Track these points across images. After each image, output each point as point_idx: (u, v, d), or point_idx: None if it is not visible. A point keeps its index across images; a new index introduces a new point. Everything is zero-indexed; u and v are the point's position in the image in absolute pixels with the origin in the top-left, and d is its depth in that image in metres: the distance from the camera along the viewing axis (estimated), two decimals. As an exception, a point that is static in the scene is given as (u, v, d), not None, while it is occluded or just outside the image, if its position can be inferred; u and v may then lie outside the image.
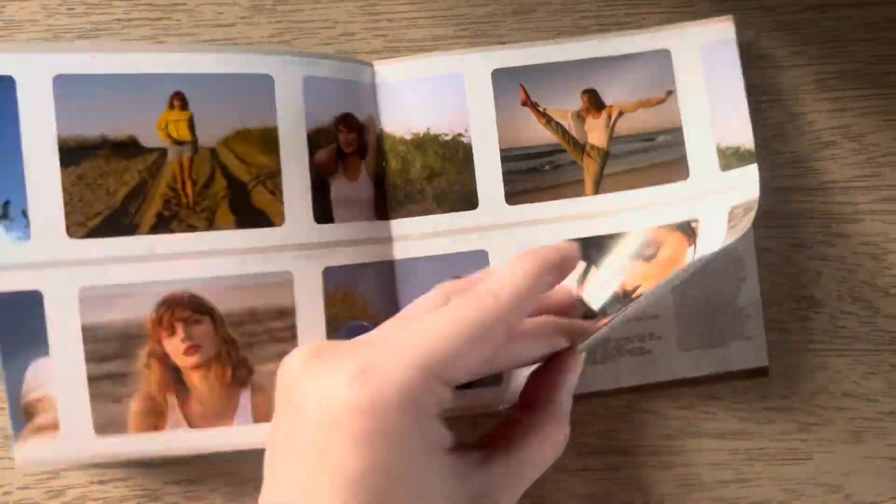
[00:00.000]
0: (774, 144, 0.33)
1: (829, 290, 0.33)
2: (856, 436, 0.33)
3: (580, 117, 0.32)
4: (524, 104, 0.32)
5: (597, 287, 0.32)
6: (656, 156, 0.32)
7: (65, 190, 0.28)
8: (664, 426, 0.33)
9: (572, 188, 0.32)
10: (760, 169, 0.33)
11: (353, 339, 0.24)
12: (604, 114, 0.32)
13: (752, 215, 0.29)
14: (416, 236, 0.32)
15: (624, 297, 0.31)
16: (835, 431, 0.33)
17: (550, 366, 0.27)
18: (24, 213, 0.28)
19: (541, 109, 0.32)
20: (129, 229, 0.28)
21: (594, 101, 0.32)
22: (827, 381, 0.33)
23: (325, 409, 0.20)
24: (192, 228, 0.29)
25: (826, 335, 0.33)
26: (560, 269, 0.26)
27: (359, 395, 0.20)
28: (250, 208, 0.29)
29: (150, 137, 0.29)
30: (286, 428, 0.22)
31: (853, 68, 0.34)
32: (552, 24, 0.33)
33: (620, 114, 0.32)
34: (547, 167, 0.32)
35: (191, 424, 0.29)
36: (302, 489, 0.20)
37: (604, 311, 0.31)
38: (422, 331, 0.22)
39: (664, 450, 0.33)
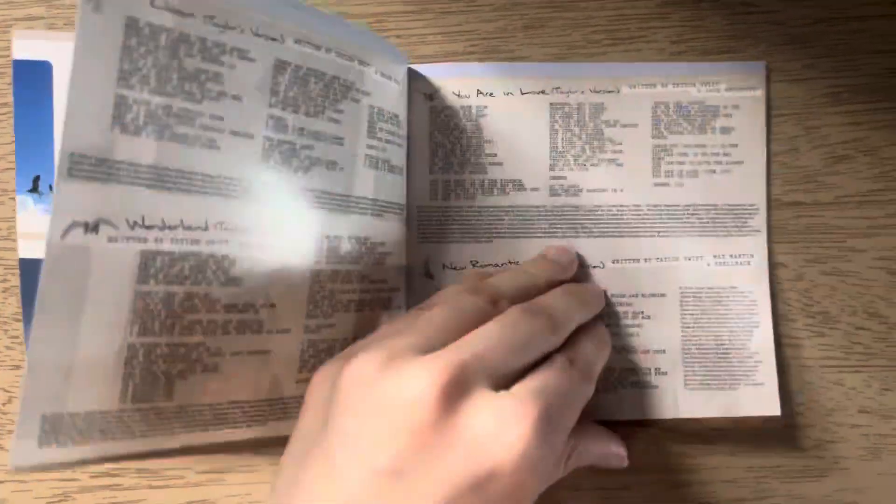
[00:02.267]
0: (788, 159, 0.33)
1: (843, 305, 0.33)
2: (872, 453, 0.33)
3: None
4: None
5: None
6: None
7: None
8: (679, 444, 0.33)
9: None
10: (773, 183, 0.33)
11: (406, 338, 0.24)
12: None
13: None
14: None
15: None
16: (850, 448, 0.33)
17: None
18: (52, 188, 0.29)
19: None
20: None
21: None
22: (842, 398, 0.33)
23: (409, 406, 0.22)
24: None
25: (841, 351, 0.33)
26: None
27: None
28: None
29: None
30: (353, 421, 0.22)
31: (866, 81, 0.33)
32: (563, 39, 0.33)
33: None
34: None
35: None
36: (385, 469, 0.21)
37: None
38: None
39: (679, 468, 0.33)
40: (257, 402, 0.28)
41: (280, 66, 0.27)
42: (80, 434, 0.24)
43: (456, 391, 0.22)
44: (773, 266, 0.33)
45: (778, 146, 0.33)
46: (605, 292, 0.33)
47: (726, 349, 0.32)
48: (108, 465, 0.32)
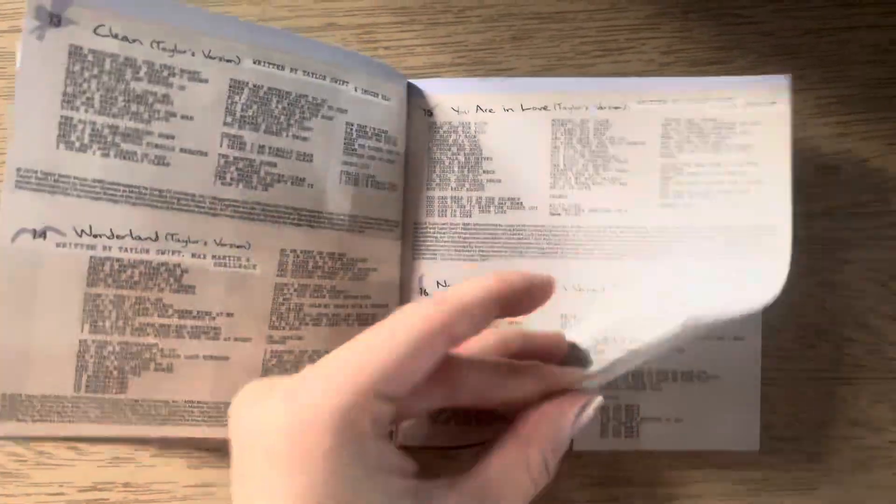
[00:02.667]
0: (777, 170, 0.33)
1: (833, 317, 0.33)
2: (863, 465, 0.33)
3: None
4: None
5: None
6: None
7: None
8: (669, 457, 0.33)
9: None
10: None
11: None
12: None
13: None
14: None
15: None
16: (841, 461, 0.33)
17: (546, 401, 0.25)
18: None
19: None
20: None
21: None
22: (833, 410, 0.33)
23: (259, 437, 0.20)
24: None
25: (832, 363, 0.33)
26: (522, 293, 0.24)
27: (287, 420, 0.20)
28: None
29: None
30: (234, 462, 0.21)
31: (855, 92, 0.33)
32: (551, 51, 0.33)
33: None
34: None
35: None
36: None
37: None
38: (356, 348, 0.21)
39: (670, 481, 0.33)
40: (216, 403, 0.29)
41: (236, 86, 0.28)
42: (38, 413, 0.27)
43: None
44: (763, 277, 0.33)
45: (767, 157, 0.33)
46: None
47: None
48: (94, 480, 0.32)
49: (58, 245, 0.26)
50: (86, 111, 0.26)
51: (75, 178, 0.26)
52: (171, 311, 0.27)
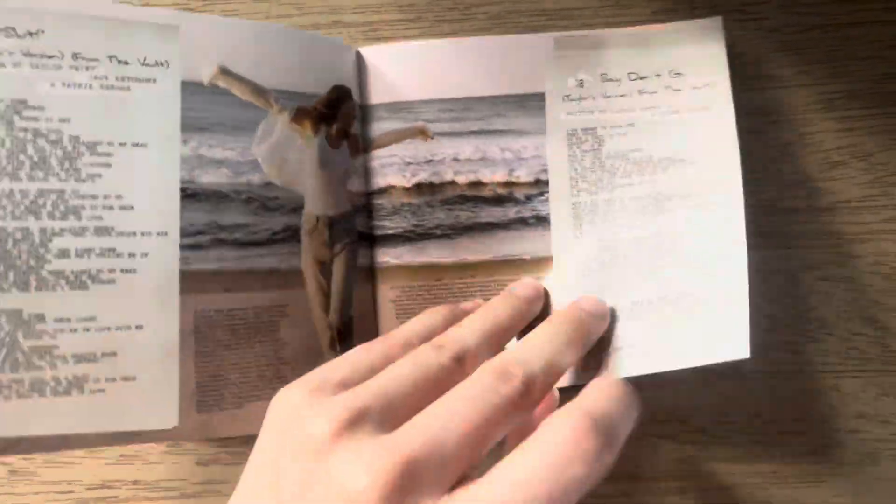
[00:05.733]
0: (782, 165, 0.33)
1: (839, 311, 0.33)
2: (869, 458, 0.33)
3: None
4: None
5: None
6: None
7: None
8: (678, 451, 0.33)
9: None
10: (768, 189, 0.33)
11: (376, 389, 0.22)
12: None
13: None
14: None
15: None
16: (848, 454, 0.33)
17: None
18: None
19: None
20: None
21: None
22: (839, 403, 0.33)
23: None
24: None
25: (837, 357, 0.33)
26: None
27: None
28: None
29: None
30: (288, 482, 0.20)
31: (860, 87, 0.33)
32: (557, 47, 0.33)
33: None
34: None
35: None
36: None
37: None
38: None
39: (678, 475, 0.33)
40: None
41: None
42: None
43: (398, 498, 0.19)
44: (767, 273, 0.33)
45: (772, 152, 0.33)
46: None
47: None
48: (102, 478, 0.32)
49: None
50: None
51: None
52: None
